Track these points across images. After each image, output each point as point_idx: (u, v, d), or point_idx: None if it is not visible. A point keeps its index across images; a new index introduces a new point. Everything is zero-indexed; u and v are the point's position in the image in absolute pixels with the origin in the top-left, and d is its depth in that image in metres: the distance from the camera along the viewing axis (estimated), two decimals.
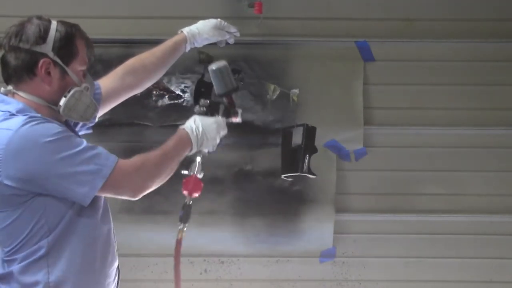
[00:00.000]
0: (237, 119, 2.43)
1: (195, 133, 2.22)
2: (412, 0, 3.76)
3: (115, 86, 2.43)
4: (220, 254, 3.86)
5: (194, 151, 2.24)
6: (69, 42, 2.03)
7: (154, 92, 3.71)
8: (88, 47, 2.09)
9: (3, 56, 2.02)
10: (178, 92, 3.74)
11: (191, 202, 2.29)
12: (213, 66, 2.35)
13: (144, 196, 4.00)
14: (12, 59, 2.00)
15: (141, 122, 3.74)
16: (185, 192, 2.29)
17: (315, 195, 3.81)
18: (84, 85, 2.06)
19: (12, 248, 2.00)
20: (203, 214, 3.78)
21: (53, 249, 2.00)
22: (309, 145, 3.50)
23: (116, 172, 1.99)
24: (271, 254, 3.89)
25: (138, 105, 3.68)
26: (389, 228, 3.88)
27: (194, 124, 2.24)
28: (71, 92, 2.01)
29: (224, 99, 2.37)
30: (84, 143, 1.99)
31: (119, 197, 2.08)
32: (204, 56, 3.47)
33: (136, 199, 2.10)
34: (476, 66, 3.80)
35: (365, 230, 3.89)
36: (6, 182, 1.92)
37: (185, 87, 3.74)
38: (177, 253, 2.26)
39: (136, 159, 2.08)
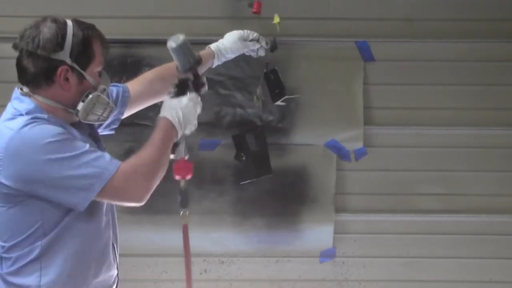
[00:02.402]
0: (205, 88, 2.33)
1: (177, 119, 2.13)
2: (412, 0, 3.75)
3: (143, 90, 2.44)
4: (220, 254, 3.86)
5: (179, 137, 2.17)
6: (86, 46, 2.00)
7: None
8: (103, 47, 2.06)
9: (20, 59, 1.99)
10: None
11: (186, 185, 2.27)
12: (172, 44, 2.23)
13: None
14: (30, 65, 1.97)
15: (141, 122, 3.74)
16: (178, 177, 2.25)
17: (315, 195, 3.81)
18: (101, 87, 2.04)
19: (9, 244, 1.99)
20: (203, 214, 3.78)
21: (47, 252, 1.99)
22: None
23: (118, 177, 1.94)
24: (271, 254, 3.89)
25: None
26: (389, 228, 3.88)
27: (173, 109, 2.15)
28: (89, 97, 2.00)
29: (190, 73, 2.28)
30: (86, 146, 1.94)
31: (124, 203, 2.03)
32: (273, 43, 2.87)
33: (142, 204, 2.02)
34: (476, 66, 3.80)
35: (365, 230, 3.89)
36: (3, 180, 1.92)
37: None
38: (185, 238, 2.30)
39: (133, 161, 2.02)
